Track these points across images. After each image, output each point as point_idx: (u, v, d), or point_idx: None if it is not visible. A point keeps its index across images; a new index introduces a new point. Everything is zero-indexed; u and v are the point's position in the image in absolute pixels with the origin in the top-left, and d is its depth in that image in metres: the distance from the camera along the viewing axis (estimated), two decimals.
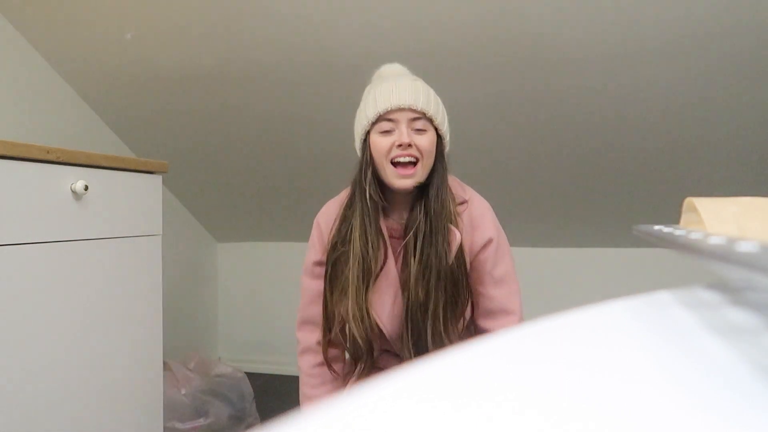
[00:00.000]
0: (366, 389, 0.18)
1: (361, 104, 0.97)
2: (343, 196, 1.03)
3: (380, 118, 0.91)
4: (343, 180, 2.07)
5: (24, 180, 0.98)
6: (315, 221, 1.06)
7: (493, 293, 0.98)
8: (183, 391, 1.73)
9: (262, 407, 2.00)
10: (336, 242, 0.97)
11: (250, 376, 2.02)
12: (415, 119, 0.91)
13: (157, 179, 1.32)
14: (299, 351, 1.11)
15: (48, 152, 1.02)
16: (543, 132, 1.79)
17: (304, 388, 1.08)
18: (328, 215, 1.03)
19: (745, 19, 1.31)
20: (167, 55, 1.68)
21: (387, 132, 0.91)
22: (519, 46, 1.49)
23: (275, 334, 2.67)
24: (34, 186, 1.00)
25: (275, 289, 2.68)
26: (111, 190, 1.17)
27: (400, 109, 0.90)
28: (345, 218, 0.98)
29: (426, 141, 0.91)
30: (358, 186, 0.96)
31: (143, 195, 1.28)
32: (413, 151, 0.90)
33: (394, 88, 0.92)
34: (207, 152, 2.13)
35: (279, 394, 2.35)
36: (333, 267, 0.97)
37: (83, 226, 1.11)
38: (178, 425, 1.63)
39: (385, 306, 0.95)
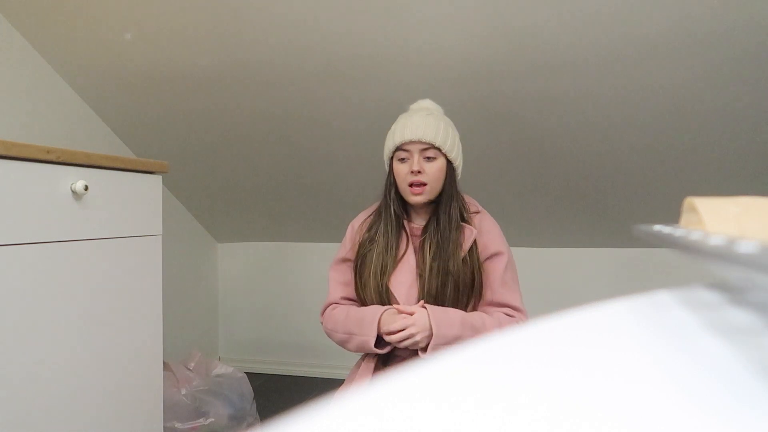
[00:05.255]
0: (365, 390, 0.18)
1: (388, 134, 1.19)
2: (374, 207, 1.28)
3: (398, 149, 1.15)
4: (343, 180, 2.08)
5: (24, 180, 0.98)
6: (350, 225, 1.28)
7: (498, 290, 1.15)
8: (183, 391, 1.73)
9: (262, 407, 2.00)
10: (365, 241, 1.20)
11: (250, 376, 2.02)
12: (425, 149, 1.13)
13: (157, 179, 1.32)
14: (323, 320, 1.24)
15: (48, 152, 1.02)
16: (542, 133, 1.79)
17: (333, 322, 1.20)
18: (361, 220, 1.27)
19: (745, 19, 1.31)
20: (167, 55, 1.68)
21: (404, 159, 1.15)
22: (517, 48, 1.49)
23: (275, 334, 2.67)
24: (34, 186, 1.00)
25: (275, 289, 2.68)
26: (111, 190, 1.17)
27: (412, 142, 1.12)
28: (374, 223, 1.22)
29: (433, 168, 1.13)
30: (384, 201, 1.21)
31: (143, 195, 1.28)
32: (422, 177, 1.12)
33: (408, 123, 1.14)
34: (207, 152, 2.13)
35: (279, 394, 2.35)
36: (361, 261, 1.20)
37: (83, 226, 1.10)
38: (178, 425, 1.63)
39: (403, 285, 1.15)
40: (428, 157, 1.13)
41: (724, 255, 0.21)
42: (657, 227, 0.35)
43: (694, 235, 0.26)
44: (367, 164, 1.90)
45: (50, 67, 1.75)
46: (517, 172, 1.97)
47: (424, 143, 1.12)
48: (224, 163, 2.18)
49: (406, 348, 1.09)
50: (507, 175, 1.99)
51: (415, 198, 1.14)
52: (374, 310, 1.12)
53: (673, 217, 0.36)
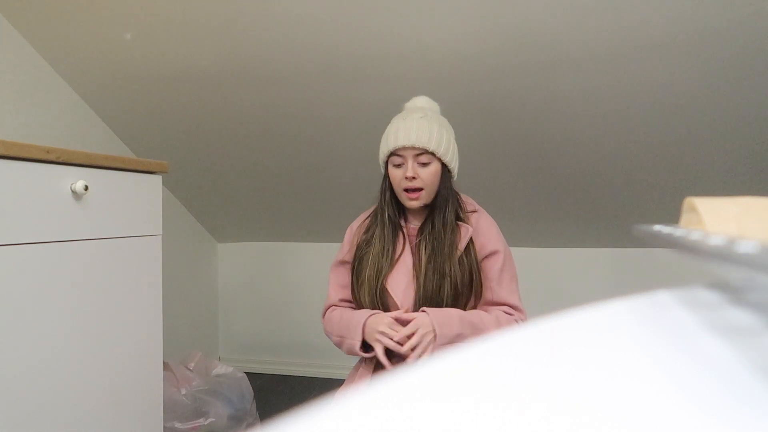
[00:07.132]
0: (365, 390, 0.18)
1: (382, 137, 1.17)
2: (372, 209, 1.28)
3: (392, 154, 1.14)
4: (343, 180, 2.08)
5: (24, 180, 0.98)
6: (349, 227, 1.29)
7: (496, 289, 1.15)
8: (183, 391, 1.73)
9: (262, 407, 2.01)
10: (362, 243, 1.21)
11: (250, 376, 2.02)
12: (419, 154, 1.11)
13: (157, 179, 1.32)
14: (324, 322, 1.25)
15: (48, 152, 1.02)
16: (541, 130, 1.79)
17: (331, 324, 1.20)
18: (359, 223, 1.27)
19: (744, 17, 1.31)
20: (167, 54, 1.68)
21: (398, 165, 1.14)
22: (515, 45, 1.49)
23: (275, 334, 2.67)
24: (34, 186, 1.00)
25: (275, 289, 2.68)
26: (111, 190, 1.17)
27: (405, 148, 1.11)
28: (371, 225, 1.22)
29: (428, 173, 1.12)
30: (380, 204, 1.21)
31: (143, 195, 1.28)
32: (417, 183, 1.12)
33: (402, 127, 1.12)
34: (207, 152, 2.13)
35: (279, 394, 2.35)
36: (358, 263, 1.20)
37: (83, 226, 1.10)
38: (178, 425, 1.63)
39: (400, 286, 1.15)
40: (422, 163, 1.12)
41: (724, 255, 0.21)
42: (657, 227, 0.35)
43: (694, 235, 0.26)
44: (367, 163, 1.90)
45: (50, 67, 1.75)
46: (515, 170, 1.97)
47: (418, 149, 1.10)
48: (224, 162, 2.18)
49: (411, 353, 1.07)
50: (505, 174, 1.99)
51: (412, 203, 1.14)
52: (360, 315, 1.11)
53: (673, 217, 0.36)
